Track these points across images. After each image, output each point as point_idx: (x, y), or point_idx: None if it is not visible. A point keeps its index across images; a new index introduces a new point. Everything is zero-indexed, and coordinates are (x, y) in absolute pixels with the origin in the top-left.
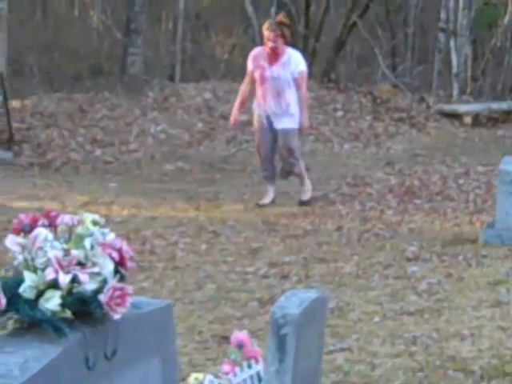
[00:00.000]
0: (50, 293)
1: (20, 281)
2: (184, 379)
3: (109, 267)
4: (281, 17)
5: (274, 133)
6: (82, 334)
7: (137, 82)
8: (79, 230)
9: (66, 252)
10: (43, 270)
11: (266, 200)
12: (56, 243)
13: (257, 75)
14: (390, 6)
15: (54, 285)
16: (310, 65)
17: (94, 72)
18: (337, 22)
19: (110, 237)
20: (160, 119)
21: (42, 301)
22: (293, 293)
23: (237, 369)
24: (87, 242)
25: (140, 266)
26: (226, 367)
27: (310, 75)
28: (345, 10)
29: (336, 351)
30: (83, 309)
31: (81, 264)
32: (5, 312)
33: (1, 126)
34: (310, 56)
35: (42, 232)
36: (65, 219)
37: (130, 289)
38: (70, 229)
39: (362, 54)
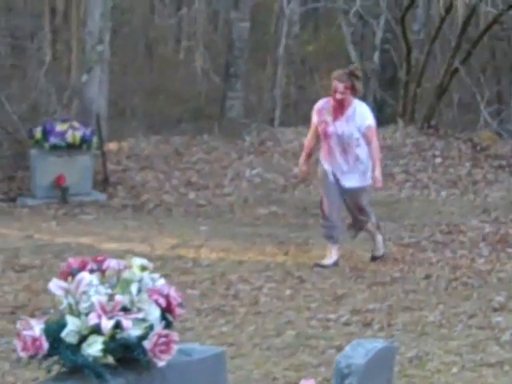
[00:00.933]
0: (92, 338)
1: (63, 325)
2: None
3: (155, 313)
4: (353, 68)
5: (340, 190)
6: (125, 380)
7: (235, 126)
8: (126, 274)
9: (111, 297)
10: (86, 314)
11: (327, 261)
12: (101, 288)
13: (320, 130)
14: (497, 51)
15: (96, 330)
16: (411, 111)
17: (195, 115)
18: (439, 67)
19: (160, 282)
20: (256, 163)
21: (84, 346)
22: (359, 342)
23: None
24: (134, 288)
25: (222, 311)
26: None
27: (410, 121)
28: (447, 56)
29: None
30: (127, 355)
31: (126, 309)
32: (48, 356)
33: (96, 167)
34: (411, 102)
35: (85, 276)
36: (111, 264)
37: (175, 335)
38: (118, 273)
39: (465, 101)
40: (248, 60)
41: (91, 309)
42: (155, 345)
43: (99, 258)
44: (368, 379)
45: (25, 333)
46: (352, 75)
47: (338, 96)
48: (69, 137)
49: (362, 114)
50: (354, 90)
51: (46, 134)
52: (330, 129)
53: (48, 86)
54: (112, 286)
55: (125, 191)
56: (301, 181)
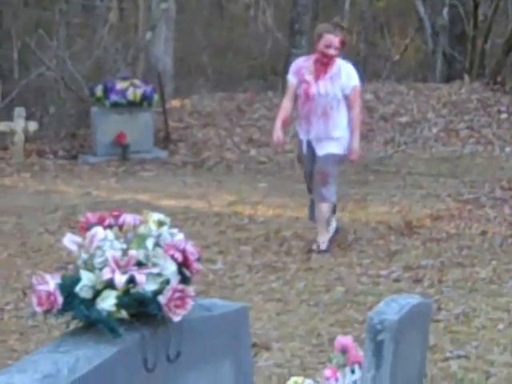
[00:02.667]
0: (106, 293)
1: (77, 280)
2: (285, 382)
3: (171, 268)
4: (339, 21)
5: (315, 160)
6: (140, 335)
7: None
8: (141, 229)
9: (125, 252)
10: (101, 269)
11: (323, 246)
12: (115, 243)
13: (301, 92)
14: None
15: (110, 285)
16: (479, 66)
17: (262, 73)
18: (508, 23)
19: (178, 237)
20: None
21: (98, 301)
22: (393, 298)
23: (339, 374)
24: (149, 243)
25: (273, 267)
26: (328, 372)
27: (477, 76)
28: None
29: (452, 358)
30: (142, 310)
31: (141, 264)
32: (63, 311)
33: (158, 125)
34: (478, 57)
35: (99, 231)
36: (127, 219)
37: (191, 290)
38: (134, 228)
39: None
40: (315, 17)
41: (105, 264)
42: (170, 300)
43: (116, 214)
44: (402, 335)
45: (40, 287)
46: (343, 28)
47: (332, 52)
48: (129, 94)
49: (348, 73)
50: (343, 45)
51: (107, 91)
52: (312, 89)
53: (113, 44)
54: (128, 241)
55: (186, 148)
56: (275, 150)
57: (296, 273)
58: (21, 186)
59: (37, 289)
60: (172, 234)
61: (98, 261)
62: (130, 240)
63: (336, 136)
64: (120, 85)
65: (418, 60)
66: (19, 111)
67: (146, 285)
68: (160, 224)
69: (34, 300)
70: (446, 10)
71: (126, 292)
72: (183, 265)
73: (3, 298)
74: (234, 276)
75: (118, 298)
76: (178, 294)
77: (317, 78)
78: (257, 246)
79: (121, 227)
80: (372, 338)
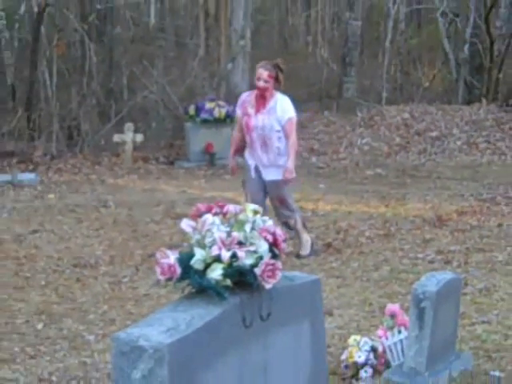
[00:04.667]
0: (214, 265)
1: (192, 255)
2: (346, 340)
3: (264, 247)
4: (278, 61)
5: (263, 184)
6: (239, 298)
7: (349, 104)
8: (241, 216)
9: (229, 234)
10: (210, 247)
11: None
12: (221, 227)
13: (243, 123)
14: None
15: (218, 259)
16: (494, 92)
17: (319, 96)
18: None
19: (268, 223)
20: (365, 134)
21: (208, 271)
22: (432, 273)
23: (388, 334)
24: (247, 227)
25: (332, 250)
26: (380, 332)
27: (493, 100)
28: None
29: (477, 323)
30: (242, 279)
31: (241, 243)
32: (180, 279)
33: None
34: (493, 84)
35: (209, 217)
36: (230, 208)
37: (280, 264)
38: (235, 216)
39: None
40: (362, 51)
41: (214, 243)
42: (263, 271)
43: (221, 204)
44: (439, 303)
45: (163, 261)
46: (277, 66)
47: (262, 84)
48: (216, 113)
49: (283, 106)
50: (277, 81)
51: (198, 110)
52: (252, 121)
53: (201, 73)
54: (231, 225)
55: None
56: (232, 175)
57: (351, 255)
58: (130, 186)
59: (160, 262)
60: (264, 221)
61: (208, 240)
62: (232, 224)
63: (279, 163)
64: (208, 105)
65: (444, 87)
66: (128, 126)
67: (245, 259)
68: (255, 213)
69: (158, 270)
70: (467, 46)
71: (230, 265)
72: (273, 244)
73: (120, 273)
74: (305, 257)
75: (223, 269)
76: (269, 267)
77: (257, 111)
78: (319, 233)
79: (225, 215)
80: (416, 305)
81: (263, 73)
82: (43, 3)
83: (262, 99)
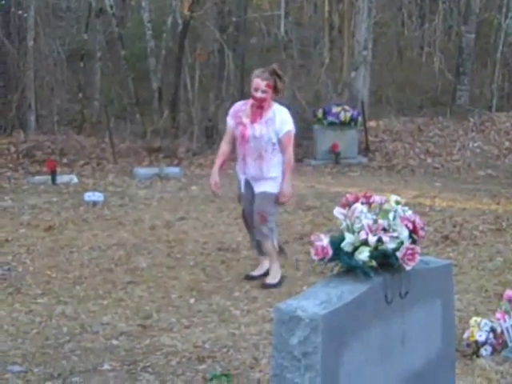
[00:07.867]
0: (362, 248)
1: (342, 239)
2: (466, 322)
3: (404, 233)
4: (275, 66)
5: (254, 197)
6: (383, 278)
7: (462, 111)
8: (386, 206)
9: (375, 221)
10: (358, 232)
11: (257, 272)
12: (368, 215)
13: (237, 133)
14: None
15: (365, 243)
16: None
17: (433, 103)
18: None
19: (408, 212)
20: (477, 138)
21: (356, 253)
22: None
23: (506, 316)
24: (391, 215)
25: (449, 242)
26: (499, 315)
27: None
28: None
29: None
30: (385, 261)
31: (385, 230)
32: (331, 260)
33: (360, 138)
34: None
35: (358, 206)
36: (376, 199)
37: (419, 249)
38: (380, 205)
39: None
40: (474, 62)
41: (362, 228)
42: (404, 255)
43: (368, 195)
44: None
45: (317, 243)
46: (274, 73)
47: (259, 95)
48: (341, 116)
49: (282, 118)
50: (275, 90)
51: (325, 114)
52: (248, 131)
53: (326, 80)
54: (376, 214)
55: (380, 156)
56: (213, 193)
57: (466, 247)
58: None
59: (315, 243)
60: (404, 210)
61: (356, 226)
62: (378, 213)
63: (272, 176)
64: (335, 109)
65: None
66: None
67: (389, 244)
68: (397, 203)
69: (312, 251)
70: None
71: (376, 248)
72: (413, 231)
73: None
74: (422, 247)
75: (370, 252)
76: (409, 251)
77: (253, 120)
78: (437, 227)
79: (371, 204)
80: None
81: (261, 83)
82: (188, 17)
83: (259, 109)
